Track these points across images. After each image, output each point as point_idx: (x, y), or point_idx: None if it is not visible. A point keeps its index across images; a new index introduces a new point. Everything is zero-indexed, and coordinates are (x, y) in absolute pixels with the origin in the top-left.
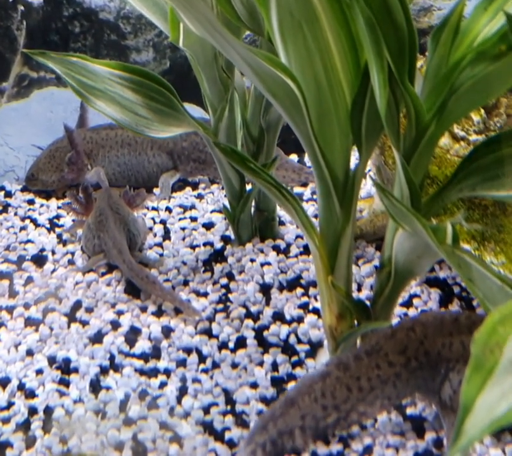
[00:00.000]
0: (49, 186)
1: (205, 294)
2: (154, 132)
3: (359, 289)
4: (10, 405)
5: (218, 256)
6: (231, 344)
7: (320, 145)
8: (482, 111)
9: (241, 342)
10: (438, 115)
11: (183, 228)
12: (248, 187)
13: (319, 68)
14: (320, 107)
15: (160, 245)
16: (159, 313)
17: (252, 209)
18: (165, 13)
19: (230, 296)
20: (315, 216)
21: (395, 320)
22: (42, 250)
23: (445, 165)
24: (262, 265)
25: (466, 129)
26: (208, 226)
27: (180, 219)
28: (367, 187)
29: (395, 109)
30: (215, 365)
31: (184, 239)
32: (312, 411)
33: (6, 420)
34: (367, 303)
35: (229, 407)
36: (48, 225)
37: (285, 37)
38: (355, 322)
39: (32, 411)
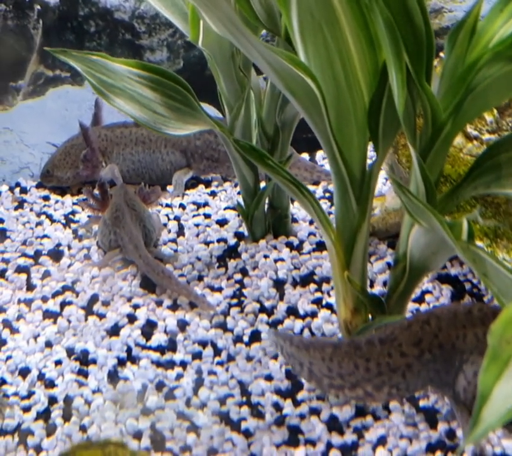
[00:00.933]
0: (64, 183)
1: (220, 289)
2: (172, 129)
3: (372, 285)
4: (30, 394)
5: (232, 252)
6: (246, 338)
7: (338, 143)
8: (495, 110)
9: (255, 336)
10: (454, 114)
11: (197, 225)
12: (262, 184)
13: (338, 68)
14: (338, 106)
15: (174, 241)
16: (174, 307)
17: (266, 207)
18: (184, 13)
19: (244, 291)
20: (330, 214)
21: (407, 315)
22: (58, 245)
23: (458, 164)
24: (276, 261)
25: (479, 128)
26: (222, 223)
27: (193, 216)
28: (378, 185)
29: (411, 108)
30: (230, 358)
31: (198, 235)
32: (319, 365)
33: (27, 409)
34: (381, 297)
35: (244, 399)
36: (64, 221)
37: (305, 37)
38: (370, 316)
39: (52, 400)
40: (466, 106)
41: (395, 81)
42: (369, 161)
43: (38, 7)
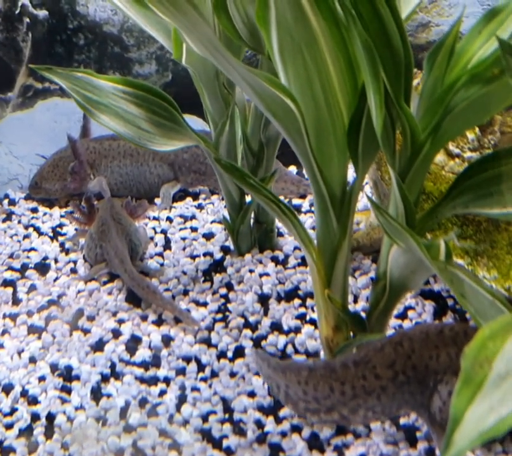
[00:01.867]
0: (52, 195)
1: (205, 304)
2: (157, 145)
3: (356, 301)
4: (13, 410)
5: (217, 266)
6: (230, 354)
7: (318, 163)
8: (477, 128)
9: (239, 352)
10: (433, 134)
11: (183, 238)
12: (248, 199)
13: (317, 89)
14: (318, 126)
15: (160, 255)
16: (159, 322)
17: (251, 221)
18: (168, 31)
19: (229, 306)
20: (314, 228)
21: (389, 332)
22: (45, 258)
23: (440, 181)
24: (261, 275)
25: (461, 146)
26: (208, 236)
27: (180, 229)
28: (364, 199)
29: (390, 128)
30: (214, 374)
31: (184, 249)
32: (295, 388)
33: (9, 426)
34: (363, 315)
35: (227, 415)
36: (51, 234)
37: (285, 57)
38: (351, 333)
39: (35, 417)
40: (444, 126)
41: (373, 101)
42: (350, 178)
43: (28, 20)
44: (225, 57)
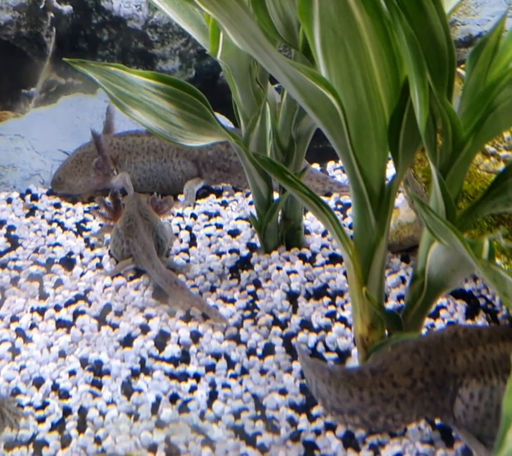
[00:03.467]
0: (75, 190)
1: (232, 301)
2: (188, 141)
3: (386, 300)
4: (45, 404)
5: (244, 263)
6: (259, 351)
7: (358, 159)
8: None
9: (269, 349)
10: (474, 132)
11: (209, 235)
12: (275, 196)
13: (359, 84)
14: (359, 122)
15: (186, 251)
16: (187, 318)
17: (279, 218)
18: (202, 25)
19: (257, 303)
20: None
21: (424, 331)
22: (70, 253)
23: (475, 180)
24: (288, 273)
25: (496, 145)
26: (234, 233)
27: (205, 226)
28: None
29: (432, 125)
30: (244, 371)
31: (210, 245)
32: (321, 386)
33: (42, 420)
34: (398, 313)
35: (259, 413)
36: (75, 229)
37: (327, 52)
38: (386, 332)
39: (67, 411)
40: (486, 124)
41: (417, 98)
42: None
43: (52, 15)
44: (267, 51)
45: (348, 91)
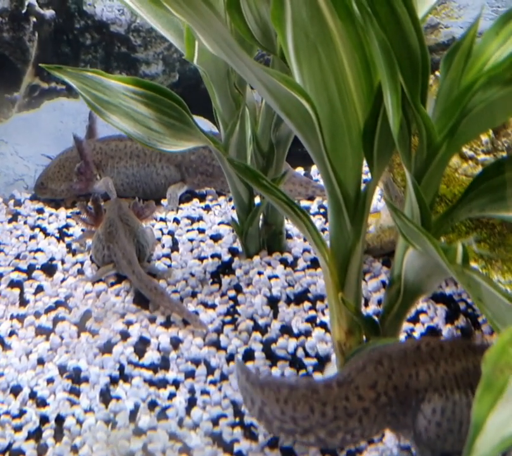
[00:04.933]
0: (58, 195)
1: (213, 306)
2: (166, 146)
3: (366, 304)
4: (22, 413)
5: (226, 268)
6: (239, 357)
7: (333, 164)
8: (490, 131)
9: (249, 355)
10: (449, 137)
11: (191, 240)
12: (257, 200)
13: (333, 89)
14: (333, 127)
15: (168, 256)
16: (168, 324)
17: (260, 223)
18: (179, 30)
19: (238, 308)
20: (323, 230)
21: (402, 336)
22: (52, 259)
23: (453, 184)
24: (270, 278)
25: (474, 149)
26: (216, 238)
27: (188, 230)
28: (373, 202)
29: (406, 130)
30: (224, 377)
31: (192, 250)
32: (272, 406)
33: (18, 428)
34: (376, 318)
35: (237, 419)
36: (57, 235)
37: (300, 57)
38: (364, 337)
39: (44, 419)
40: (461, 128)
41: (390, 102)
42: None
43: (34, 19)
44: (240, 56)
45: (322, 96)
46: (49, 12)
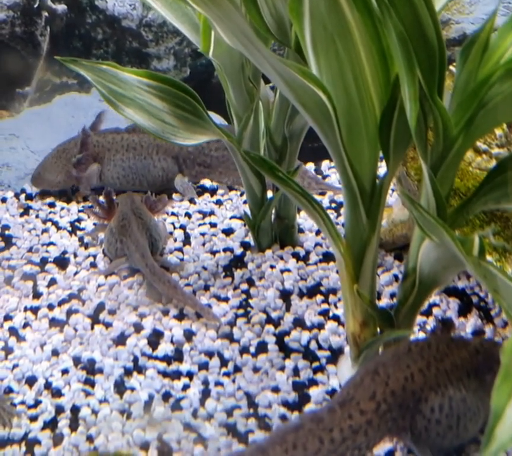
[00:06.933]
0: (54, 186)
1: (226, 299)
2: (180, 139)
3: (379, 298)
4: (37, 403)
5: (238, 262)
6: (252, 349)
7: (349, 156)
8: (504, 125)
9: (262, 347)
10: (465, 129)
11: (203, 234)
12: (269, 194)
13: (349, 81)
14: (349, 119)
15: (180, 250)
16: (181, 316)
17: (272, 217)
18: (194, 23)
19: (250, 301)
20: (337, 224)
21: (416, 329)
22: (64, 252)
23: (467, 177)
24: (282, 271)
25: (488, 142)
26: (228, 232)
27: (199, 225)
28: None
29: (423, 122)
30: (237, 369)
31: (204, 244)
32: None
33: (34, 418)
34: (390, 311)
35: (251, 410)
36: (69, 228)
37: (317, 49)
38: (378, 329)
39: (59, 409)
40: (477, 121)
41: (407, 95)
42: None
43: (46, 14)
44: (258, 48)
45: (339, 88)
46: (60, 7)
